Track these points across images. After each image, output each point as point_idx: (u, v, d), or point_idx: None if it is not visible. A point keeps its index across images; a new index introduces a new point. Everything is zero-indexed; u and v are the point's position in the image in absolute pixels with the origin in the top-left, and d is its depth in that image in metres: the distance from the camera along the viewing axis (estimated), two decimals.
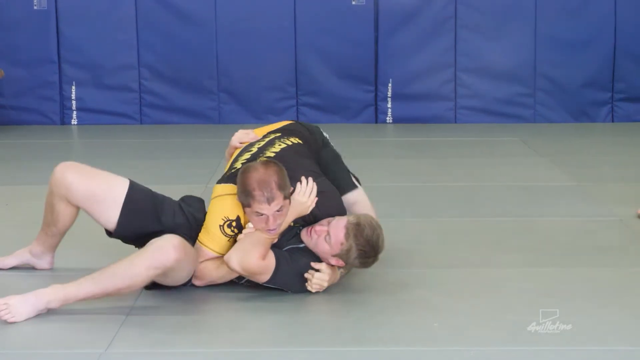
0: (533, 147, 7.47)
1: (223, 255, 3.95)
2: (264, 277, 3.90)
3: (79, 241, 4.54)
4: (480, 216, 5.37)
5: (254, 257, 3.83)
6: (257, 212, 3.82)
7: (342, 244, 3.90)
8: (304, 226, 4.05)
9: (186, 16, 8.54)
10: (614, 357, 3.43)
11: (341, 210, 4.11)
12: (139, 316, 3.79)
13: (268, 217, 3.82)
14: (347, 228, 3.91)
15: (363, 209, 4.26)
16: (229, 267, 3.88)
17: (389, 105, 8.72)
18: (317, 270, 3.97)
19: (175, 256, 3.72)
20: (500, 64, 8.62)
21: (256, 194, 3.79)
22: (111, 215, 3.99)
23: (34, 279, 4.14)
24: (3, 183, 6.33)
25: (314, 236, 3.96)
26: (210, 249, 3.96)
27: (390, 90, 8.70)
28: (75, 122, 8.70)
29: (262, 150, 4.18)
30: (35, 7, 8.50)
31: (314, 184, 4.02)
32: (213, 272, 3.97)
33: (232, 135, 4.40)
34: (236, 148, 4.34)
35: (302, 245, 4.01)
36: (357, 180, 4.42)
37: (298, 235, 4.04)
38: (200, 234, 4.01)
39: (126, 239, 4.08)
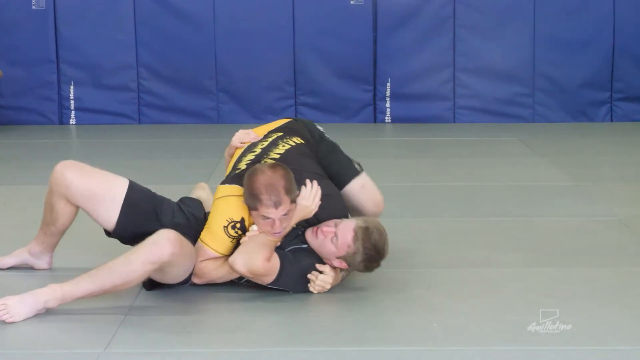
0: (532, 147, 7.47)
1: (224, 255, 3.94)
2: (268, 279, 3.90)
3: (78, 241, 4.53)
4: (480, 216, 5.36)
5: (259, 259, 3.83)
6: (263, 215, 3.81)
7: (349, 246, 3.90)
8: (305, 227, 4.05)
9: (185, 16, 8.54)
10: (614, 357, 3.43)
11: (344, 213, 4.13)
12: (138, 316, 3.78)
13: (274, 220, 3.82)
14: (355, 231, 3.90)
15: (372, 193, 4.33)
16: (234, 269, 3.87)
17: (388, 105, 8.71)
18: (321, 272, 3.96)
19: (171, 250, 3.71)
20: (500, 63, 8.62)
21: (263, 197, 3.78)
22: (110, 215, 3.99)
23: (33, 279, 4.14)
24: (1, 183, 6.32)
25: (320, 237, 3.95)
26: (212, 248, 3.95)
27: (389, 90, 8.69)
28: (74, 122, 8.69)
29: (266, 151, 4.18)
30: (33, 7, 8.49)
31: (319, 187, 4.01)
32: (213, 272, 3.96)
33: (232, 135, 4.38)
34: (237, 148, 4.33)
35: (304, 246, 4.01)
36: (360, 165, 4.43)
37: (300, 236, 4.04)
38: (202, 233, 4.00)
39: (124, 239, 4.07)
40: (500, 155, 7.27)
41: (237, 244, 3.95)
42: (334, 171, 4.30)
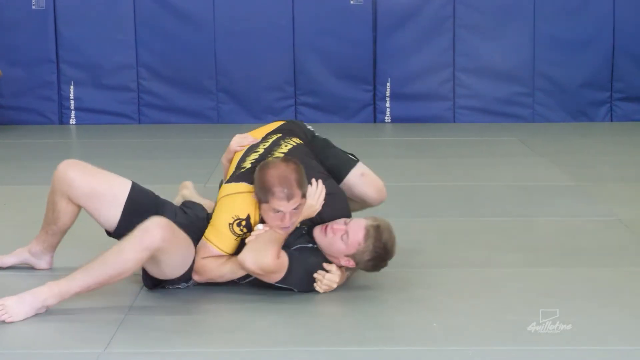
0: (532, 147, 7.47)
1: (228, 253, 3.94)
2: (277, 276, 3.89)
3: (79, 241, 4.53)
4: (480, 216, 5.37)
5: (269, 256, 3.83)
6: (274, 208, 3.81)
7: (359, 244, 3.90)
8: (309, 226, 4.05)
9: (185, 16, 8.54)
10: (614, 357, 3.43)
11: (347, 213, 4.13)
12: (138, 316, 3.78)
13: (285, 214, 3.82)
14: (367, 229, 3.91)
15: (373, 179, 4.37)
16: (244, 267, 3.86)
17: (388, 104, 8.71)
18: (327, 271, 3.96)
19: (162, 234, 3.70)
20: (499, 63, 8.63)
21: (276, 190, 3.79)
22: (112, 215, 3.99)
23: (33, 279, 4.13)
24: (1, 183, 6.32)
25: (330, 234, 3.95)
26: (216, 246, 3.95)
27: (388, 89, 8.69)
28: (74, 122, 8.69)
29: (269, 150, 4.18)
30: (33, 7, 8.49)
31: (323, 187, 4.02)
32: (214, 270, 3.96)
33: (231, 136, 4.38)
34: (236, 152, 4.32)
35: (310, 245, 4.01)
36: (354, 156, 4.46)
37: (304, 234, 4.05)
38: (207, 231, 3.99)
39: None
40: (500, 155, 7.27)
41: (240, 244, 3.95)
42: (332, 164, 4.31)
